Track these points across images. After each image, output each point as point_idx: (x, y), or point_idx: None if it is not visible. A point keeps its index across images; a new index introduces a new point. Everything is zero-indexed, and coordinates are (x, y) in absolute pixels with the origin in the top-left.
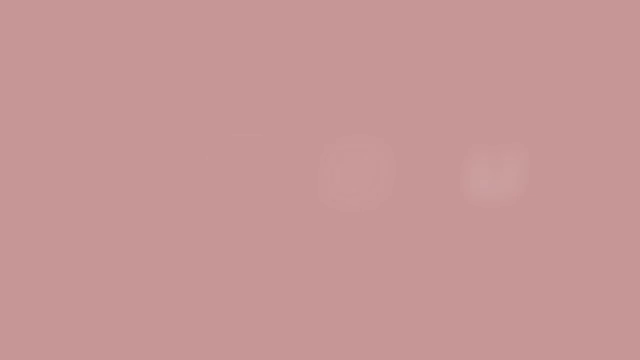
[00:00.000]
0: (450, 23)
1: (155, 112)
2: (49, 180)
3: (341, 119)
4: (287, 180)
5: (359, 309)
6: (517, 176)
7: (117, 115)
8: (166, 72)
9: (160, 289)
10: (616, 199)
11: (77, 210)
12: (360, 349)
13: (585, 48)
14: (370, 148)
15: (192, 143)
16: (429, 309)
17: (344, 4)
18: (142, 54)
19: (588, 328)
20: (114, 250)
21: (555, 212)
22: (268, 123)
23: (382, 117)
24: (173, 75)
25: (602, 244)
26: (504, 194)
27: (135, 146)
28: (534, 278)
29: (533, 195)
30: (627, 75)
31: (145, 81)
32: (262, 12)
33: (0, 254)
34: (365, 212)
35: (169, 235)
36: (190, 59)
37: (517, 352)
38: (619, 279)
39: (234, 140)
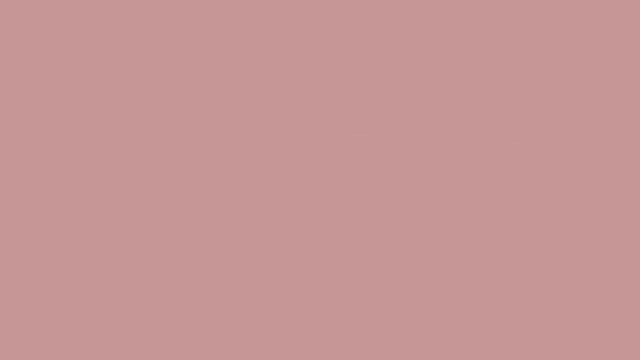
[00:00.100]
0: (450, 23)
1: (155, 112)
2: (49, 180)
3: (341, 119)
4: (287, 180)
5: (359, 309)
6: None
7: (116, 115)
8: (166, 72)
9: (160, 289)
10: (616, 199)
11: (76, 210)
12: (361, 349)
13: (585, 48)
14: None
15: (192, 143)
16: (428, 309)
17: (344, 4)
18: (142, 54)
19: (588, 328)
20: (113, 250)
21: (555, 212)
22: (268, 123)
23: (382, 117)
24: (173, 75)
25: (602, 244)
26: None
27: (135, 146)
28: (533, 278)
29: (533, 195)
30: (627, 75)
31: (145, 81)
32: (262, 12)
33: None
34: (365, 212)
35: (168, 235)
36: (190, 58)
37: (518, 352)
38: (619, 279)
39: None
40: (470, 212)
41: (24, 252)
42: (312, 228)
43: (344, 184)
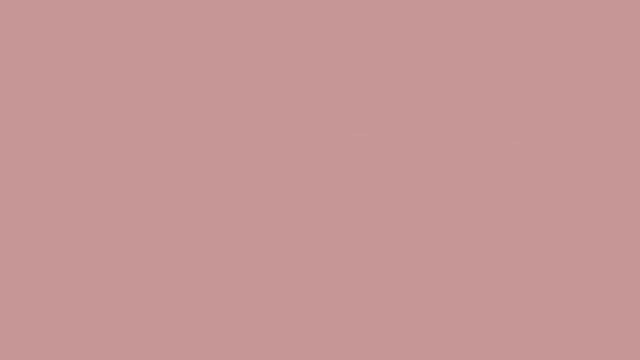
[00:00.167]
0: (450, 23)
1: (155, 112)
2: (49, 180)
3: (341, 119)
4: (287, 181)
5: (359, 309)
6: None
7: (117, 115)
8: (166, 72)
9: (161, 289)
10: (616, 199)
11: (77, 210)
12: (361, 349)
13: (585, 48)
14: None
15: (192, 143)
16: (429, 309)
17: (344, 4)
18: (143, 54)
19: (588, 328)
20: (114, 251)
21: (555, 212)
22: (268, 123)
23: (382, 117)
24: (173, 75)
25: (602, 244)
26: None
27: (135, 146)
28: (534, 278)
29: (533, 195)
30: (627, 75)
31: (145, 81)
32: (262, 12)
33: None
34: (365, 212)
35: (168, 235)
36: (190, 58)
37: (518, 352)
38: (619, 279)
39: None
40: (471, 212)
41: (24, 252)
42: (312, 228)
43: (344, 184)
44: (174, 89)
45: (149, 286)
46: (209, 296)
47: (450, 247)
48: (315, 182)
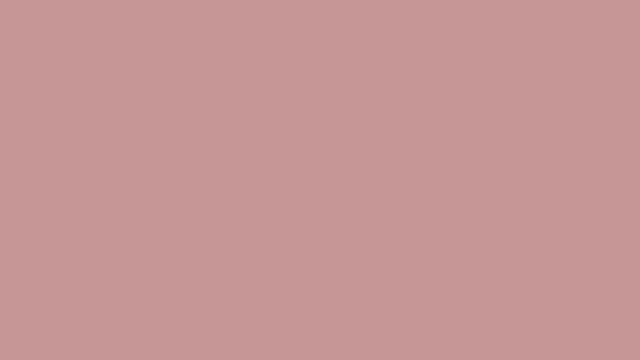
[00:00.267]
0: (450, 23)
1: (155, 112)
2: (49, 180)
3: (341, 119)
4: (287, 181)
5: (359, 310)
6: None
7: (116, 115)
8: (166, 72)
9: (161, 289)
10: (616, 199)
11: (76, 210)
12: (361, 349)
13: (585, 48)
14: (370, 148)
15: (192, 143)
16: (429, 309)
17: (344, 4)
18: (142, 54)
19: (588, 328)
20: (113, 251)
21: (555, 212)
22: (268, 123)
23: (382, 117)
24: (173, 75)
25: (602, 244)
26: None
27: (135, 146)
28: (534, 278)
29: (533, 195)
30: (627, 75)
31: (145, 81)
32: (262, 12)
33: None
34: (365, 212)
35: (168, 236)
36: (191, 59)
37: (518, 352)
38: (619, 279)
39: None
40: (471, 212)
41: (24, 252)
42: (312, 228)
43: (344, 184)
44: (174, 89)
45: (149, 286)
46: (209, 296)
47: (450, 247)
48: (315, 182)
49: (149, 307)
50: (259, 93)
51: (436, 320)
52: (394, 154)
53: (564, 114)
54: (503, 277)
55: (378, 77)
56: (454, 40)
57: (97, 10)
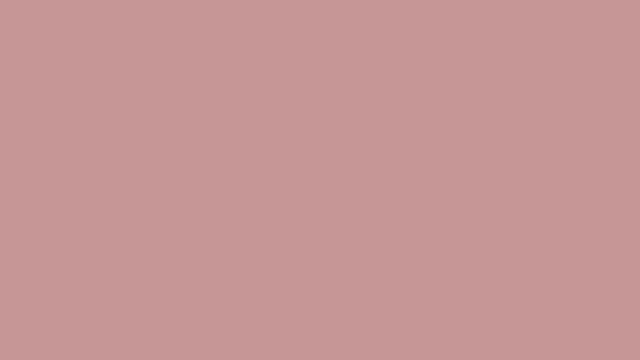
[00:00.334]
0: (450, 23)
1: (155, 112)
2: (49, 180)
3: (341, 119)
4: (287, 181)
5: (359, 310)
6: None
7: (116, 115)
8: (166, 72)
9: (160, 289)
10: (616, 199)
11: (76, 210)
12: (361, 349)
13: (585, 48)
14: (370, 148)
15: (192, 143)
16: (429, 309)
17: (344, 4)
18: (142, 54)
19: (588, 328)
20: (113, 251)
21: (555, 212)
22: (268, 123)
23: (382, 117)
24: (173, 75)
25: (602, 244)
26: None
27: (135, 146)
28: (534, 278)
29: (533, 195)
30: (627, 75)
31: (145, 81)
32: (262, 12)
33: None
34: (365, 212)
35: (168, 236)
36: (191, 58)
37: (518, 352)
38: (619, 279)
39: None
40: (470, 212)
41: (24, 252)
42: (312, 229)
43: (344, 184)
44: (174, 89)
45: (149, 286)
46: (209, 296)
47: (450, 248)
48: (315, 182)
49: (149, 307)
50: (259, 93)
51: (436, 320)
52: (394, 155)
53: (564, 114)
54: (503, 277)
55: (378, 77)
56: (454, 40)
57: (97, 10)
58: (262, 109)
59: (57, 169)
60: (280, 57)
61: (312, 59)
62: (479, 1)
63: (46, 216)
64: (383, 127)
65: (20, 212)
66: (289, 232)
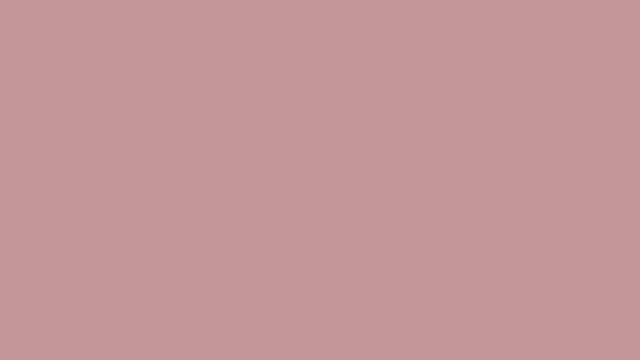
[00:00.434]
0: (450, 23)
1: (155, 112)
2: (49, 180)
3: (341, 119)
4: (287, 181)
5: (358, 310)
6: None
7: (116, 115)
8: (166, 72)
9: (160, 289)
10: (616, 199)
11: (76, 210)
12: (361, 349)
13: (585, 48)
14: (370, 148)
15: (192, 143)
16: (429, 310)
17: (344, 3)
18: (142, 54)
19: (588, 328)
20: (113, 251)
21: (555, 212)
22: (268, 123)
23: (382, 117)
24: (173, 75)
25: (602, 244)
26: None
27: (135, 146)
28: (534, 278)
29: (533, 195)
30: (627, 75)
31: (145, 81)
32: (262, 12)
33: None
34: (365, 212)
35: (168, 236)
36: (191, 58)
37: (518, 352)
38: (619, 279)
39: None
40: (471, 213)
41: (24, 252)
42: (312, 229)
43: (344, 184)
44: (174, 89)
45: (149, 286)
46: (209, 296)
47: (450, 248)
48: (315, 183)
49: (149, 307)
50: (259, 93)
51: (436, 320)
52: (394, 155)
53: (564, 115)
54: (503, 277)
55: (378, 78)
56: (454, 40)
57: (97, 10)
58: (262, 109)
59: (57, 169)
60: (280, 57)
61: (312, 59)
62: (479, 1)
63: (46, 216)
64: (383, 127)
65: (21, 212)
66: (289, 233)
